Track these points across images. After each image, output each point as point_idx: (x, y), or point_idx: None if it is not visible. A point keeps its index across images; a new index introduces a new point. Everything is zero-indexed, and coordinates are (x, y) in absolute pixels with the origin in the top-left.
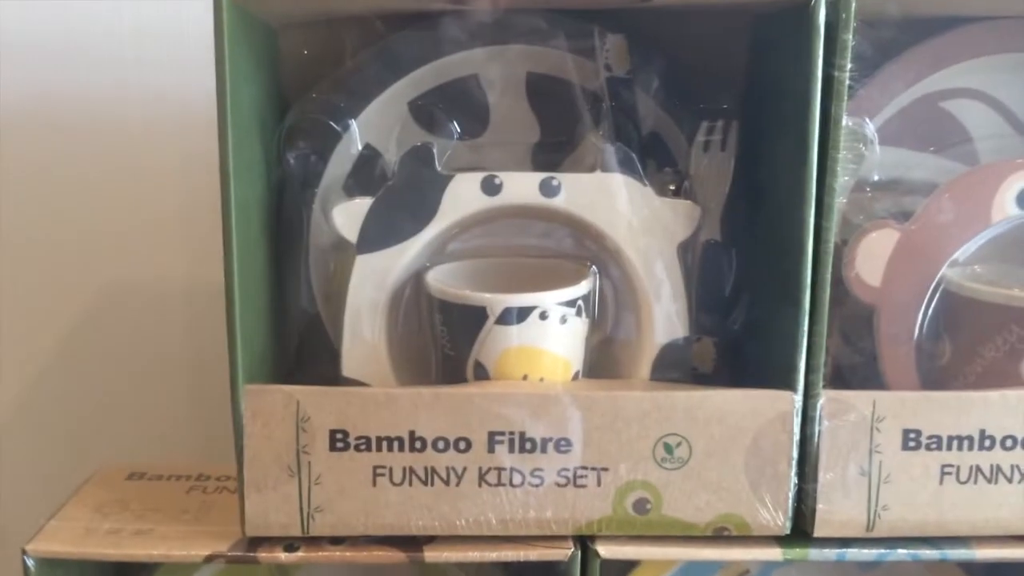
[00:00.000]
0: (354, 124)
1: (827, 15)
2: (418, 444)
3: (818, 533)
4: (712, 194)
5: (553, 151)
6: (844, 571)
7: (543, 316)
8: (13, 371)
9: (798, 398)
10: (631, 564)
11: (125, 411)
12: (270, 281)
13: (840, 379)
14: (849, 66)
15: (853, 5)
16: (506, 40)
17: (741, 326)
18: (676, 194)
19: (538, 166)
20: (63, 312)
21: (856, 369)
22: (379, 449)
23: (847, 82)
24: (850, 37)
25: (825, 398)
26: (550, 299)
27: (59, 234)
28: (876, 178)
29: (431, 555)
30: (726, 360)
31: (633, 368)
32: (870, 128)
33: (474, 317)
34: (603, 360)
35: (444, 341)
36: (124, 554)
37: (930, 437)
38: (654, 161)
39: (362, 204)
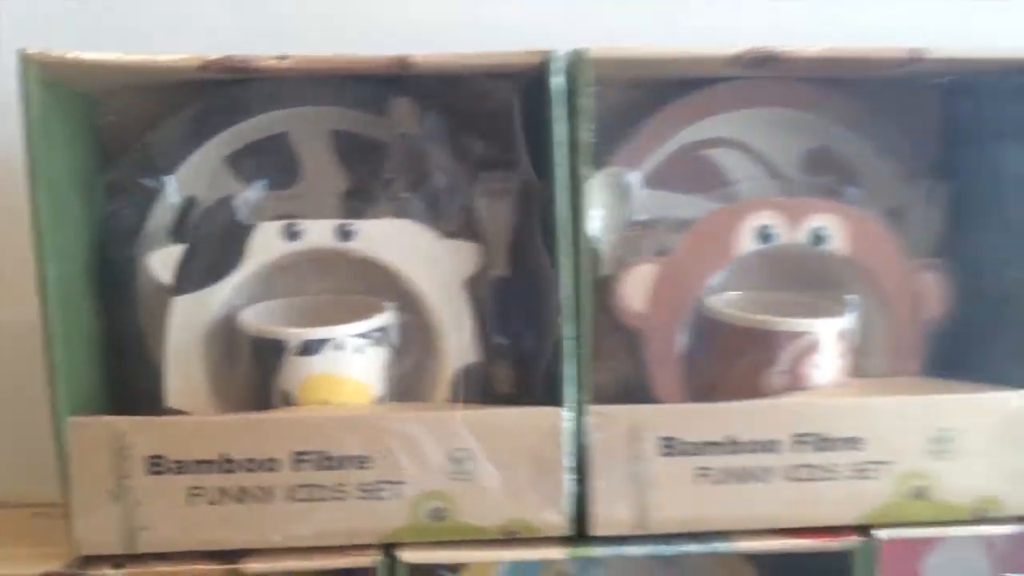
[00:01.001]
0: (171, 179)
1: (566, 81)
2: (230, 466)
3: (595, 532)
4: (499, 236)
5: (360, 200)
6: (648, 568)
7: (338, 347)
8: None
9: (567, 414)
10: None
11: None
12: (94, 323)
13: (626, 395)
14: (590, 125)
15: (585, 73)
16: (311, 102)
17: (531, 351)
18: (462, 237)
19: (347, 214)
20: None
21: (631, 387)
22: (195, 472)
23: (589, 139)
24: (587, 101)
25: (592, 413)
26: (343, 331)
27: None
28: (644, 218)
29: (248, 567)
30: (527, 381)
31: (434, 391)
32: (628, 177)
33: (276, 349)
34: (410, 385)
35: (254, 372)
36: None
37: (685, 444)
38: (443, 208)
39: (175, 250)
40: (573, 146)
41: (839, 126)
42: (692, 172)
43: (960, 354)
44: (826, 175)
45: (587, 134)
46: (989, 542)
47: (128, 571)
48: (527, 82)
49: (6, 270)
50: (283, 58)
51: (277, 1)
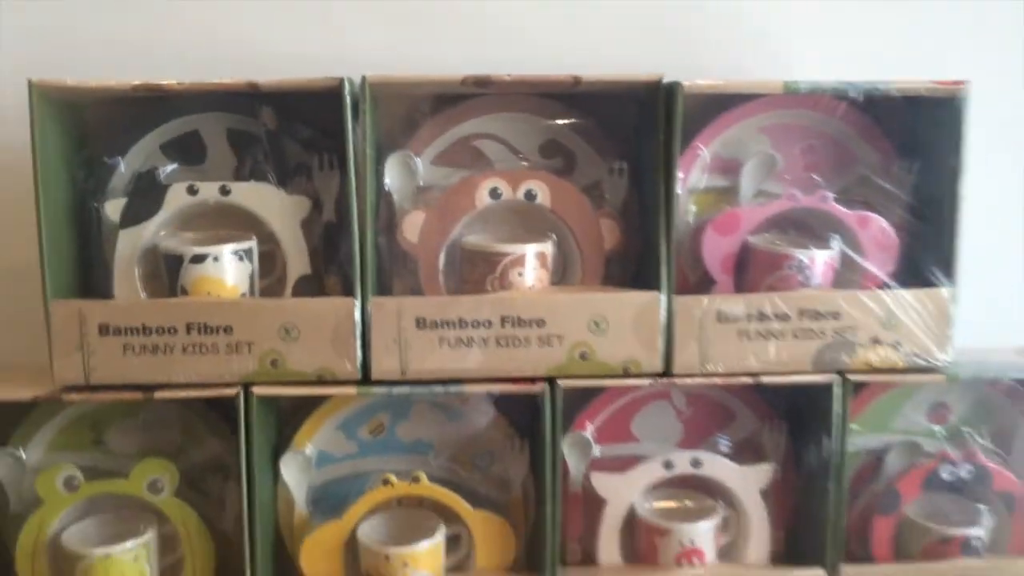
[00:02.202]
0: (123, 159)
1: (352, 97)
2: (149, 331)
3: (375, 378)
4: (328, 193)
5: (245, 175)
6: (434, 417)
7: (216, 259)
8: None
9: (357, 303)
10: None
11: None
12: (72, 247)
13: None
14: (373, 127)
15: (368, 91)
16: (213, 109)
17: (346, 268)
18: (302, 194)
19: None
20: None
21: (413, 291)
22: (127, 335)
23: (372, 135)
24: (363, 111)
25: (372, 302)
26: (220, 249)
27: None
28: (423, 184)
29: (158, 395)
30: (343, 285)
31: (282, 292)
32: (417, 161)
33: (178, 260)
34: (266, 288)
35: (166, 276)
36: None
37: (431, 321)
38: (290, 176)
39: (121, 202)
40: (363, 138)
41: (562, 125)
42: (464, 155)
43: (629, 273)
44: (554, 158)
45: (370, 132)
46: (676, 409)
47: (85, 395)
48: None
49: (21, 220)
50: (180, 83)
51: (185, 36)
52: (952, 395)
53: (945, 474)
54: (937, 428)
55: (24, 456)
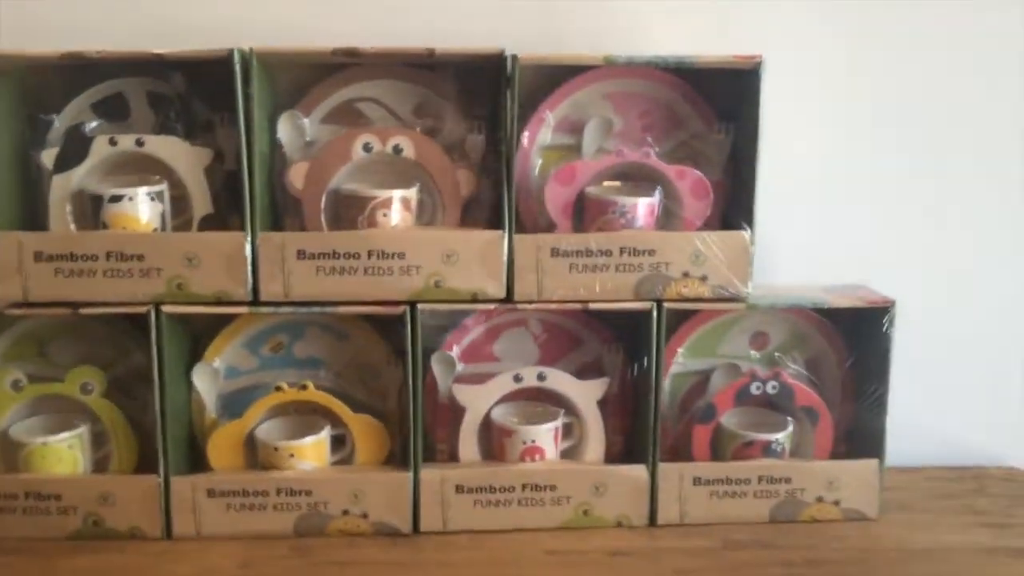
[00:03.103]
0: (58, 116)
1: (241, 65)
2: (75, 257)
3: (262, 299)
4: (229, 148)
5: (162, 131)
6: (325, 338)
7: (131, 199)
8: None
9: (248, 238)
10: None
11: None
12: (14, 192)
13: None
14: (264, 91)
15: (253, 61)
16: (133, 74)
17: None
18: (206, 145)
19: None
20: None
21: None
22: (56, 261)
23: (264, 97)
24: (252, 77)
25: (260, 237)
26: (134, 191)
27: None
28: (310, 139)
29: (82, 311)
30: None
31: (188, 229)
32: (304, 120)
33: (99, 200)
34: (174, 226)
35: (91, 214)
36: None
37: (311, 253)
38: (196, 130)
39: (55, 151)
40: (251, 100)
41: (430, 91)
42: (348, 115)
43: (484, 219)
44: (425, 119)
45: (260, 94)
46: (533, 335)
47: (24, 310)
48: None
49: None
50: (99, 52)
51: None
52: (771, 326)
53: (755, 390)
54: (755, 353)
55: None
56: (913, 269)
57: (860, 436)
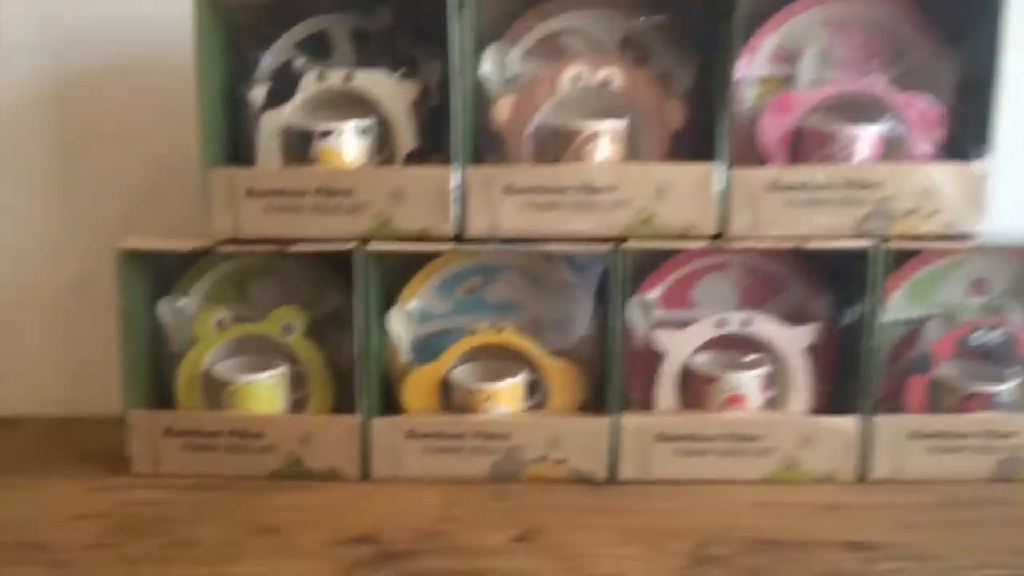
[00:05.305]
0: (265, 54)
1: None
2: (288, 192)
3: (467, 236)
4: (432, 83)
5: (365, 66)
6: (520, 282)
7: (340, 134)
8: None
9: (454, 172)
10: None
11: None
12: (223, 128)
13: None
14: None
15: None
16: (338, 10)
17: (447, 145)
18: (412, 80)
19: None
20: None
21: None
22: (267, 196)
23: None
24: (466, 7)
25: (468, 171)
26: (343, 126)
27: None
28: (514, 73)
29: (290, 248)
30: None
31: (393, 164)
32: (510, 53)
33: (309, 135)
34: (381, 160)
35: (300, 149)
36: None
37: (519, 187)
38: (407, 68)
39: (263, 88)
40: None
41: (638, 22)
42: (551, 49)
43: (693, 153)
44: (631, 51)
45: (470, 28)
46: (734, 279)
47: (233, 248)
48: None
49: (183, 113)
50: None
51: None
52: (992, 270)
53: (977, 339)
54: (975, 300)
55: (184, 304)
56: None
57: None
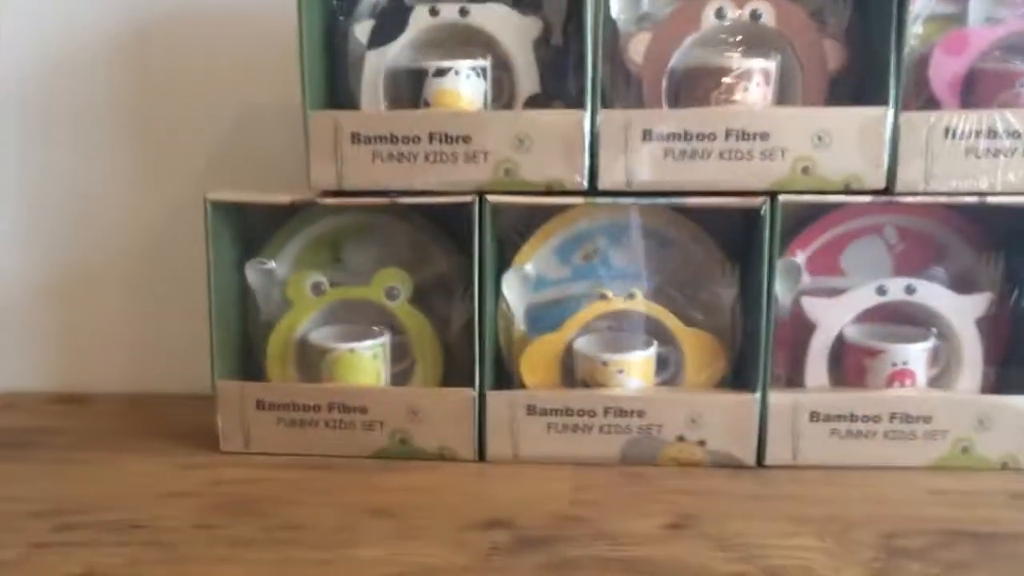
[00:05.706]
0: None
1: None
2: (395, 140)
3: (602, 188)
4: (557, 17)
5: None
6: (645, 244)
7: (456, 73)
8: None
9: (587, 115)
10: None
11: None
12: (325, 69)
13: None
14: None
15: None
16: None
17: (574, 88)
18: (534, 16)
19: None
20: None
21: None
22: (374, 143)
23: None
24: None
25: (602, 114)
26: (460, 64)
27: None
28: (646, 10)
29: (400, 200)
30: (576, 96)
31: (514, 105)
32: None
33: (421, 74)
34: (500, 104)
35: (410, 89)
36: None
37: (658, 133)
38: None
39: (368, 24)
40: None
41: None
42: None
43: (850, 97)
44: None
45: None
46: (888, 243)
47: (336, 200)
48: None
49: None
50: None
51: None
52: None
53: None
54: None
55: (273, 267)
56: None
57: None
